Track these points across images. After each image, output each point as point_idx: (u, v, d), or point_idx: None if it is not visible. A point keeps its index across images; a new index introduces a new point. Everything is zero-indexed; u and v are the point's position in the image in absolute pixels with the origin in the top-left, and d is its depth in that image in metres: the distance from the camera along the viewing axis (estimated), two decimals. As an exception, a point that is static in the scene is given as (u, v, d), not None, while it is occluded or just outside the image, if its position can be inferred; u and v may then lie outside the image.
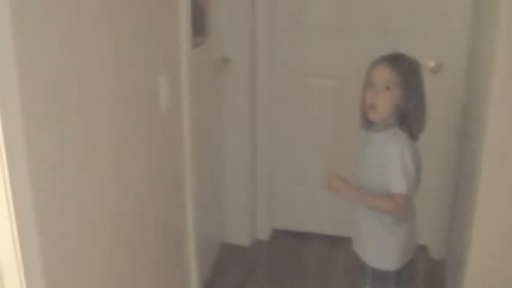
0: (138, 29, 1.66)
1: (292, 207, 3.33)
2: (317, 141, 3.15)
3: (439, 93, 2.76)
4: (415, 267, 2.18)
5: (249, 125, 3.06)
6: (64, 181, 1.29)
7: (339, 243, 3.15)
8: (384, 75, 1.92)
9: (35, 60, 1.13)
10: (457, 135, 2.86)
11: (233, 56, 2.88)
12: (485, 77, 2.16)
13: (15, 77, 1.05)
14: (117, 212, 1.59)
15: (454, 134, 2.87)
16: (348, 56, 2.94)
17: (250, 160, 3.15)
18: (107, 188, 1.52)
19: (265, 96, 3.08)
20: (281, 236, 3.35)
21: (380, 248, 2.09)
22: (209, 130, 2.85)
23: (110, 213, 1.55)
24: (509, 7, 1.94)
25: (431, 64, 2.81)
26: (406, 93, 1.92)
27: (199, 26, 2.49)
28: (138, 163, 1.73)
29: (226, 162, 3.11)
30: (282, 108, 3.13)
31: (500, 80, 2.01)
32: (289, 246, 3.26)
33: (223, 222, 3.22)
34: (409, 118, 1.95)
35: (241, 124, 3.05)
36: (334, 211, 3.18)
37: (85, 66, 1.34)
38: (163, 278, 2.06)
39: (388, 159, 1.94)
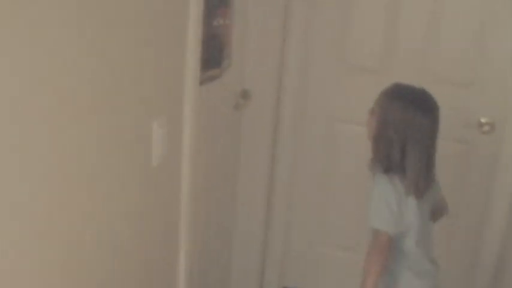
0: (129, 62, 1.33)
1: (306, 266, 2.93)
2: (343, 198, 2.75)
3: (489, 158, 2.41)
4: None
5: (266, 171, 2.71)
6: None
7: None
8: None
9: None
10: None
11: (255, 90, 2.54)
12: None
13: None
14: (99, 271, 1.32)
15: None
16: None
17: (265, 210, 2.78)
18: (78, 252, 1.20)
19: (288, 139, 2.71)
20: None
21: None
22: (221, 176, 2.51)
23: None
24: None
25: (482, 121, 2.42)
26: (378, 118, 1.78)
27: (216, 58, 2.17)
28: (117, 223, 1.40)
29: (239, 207, 2.76)
30: (306, 155, 2.75)
31: None
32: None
33: (229, 278, 2.85)
34: (379, 148, 1.78)
35: (257, 170, 2.70)
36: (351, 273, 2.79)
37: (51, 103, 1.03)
38: None
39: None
